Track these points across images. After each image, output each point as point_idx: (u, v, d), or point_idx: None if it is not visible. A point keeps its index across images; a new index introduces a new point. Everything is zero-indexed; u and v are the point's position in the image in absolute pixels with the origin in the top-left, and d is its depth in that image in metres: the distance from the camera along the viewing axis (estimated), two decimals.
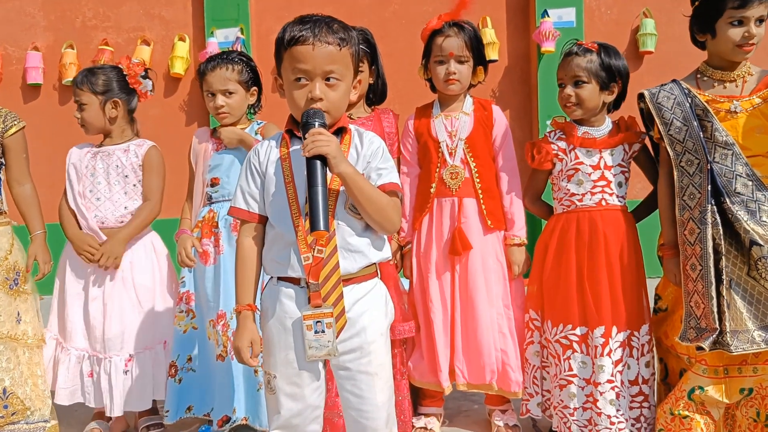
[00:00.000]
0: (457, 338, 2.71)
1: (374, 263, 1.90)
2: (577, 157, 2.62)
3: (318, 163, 1.71)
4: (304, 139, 1.74)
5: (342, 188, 1.82)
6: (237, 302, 1.89)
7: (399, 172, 2.88)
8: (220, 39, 6.01)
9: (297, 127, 1.87)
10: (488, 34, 5.93)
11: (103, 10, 6.35)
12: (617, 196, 2.60)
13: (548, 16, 5.78)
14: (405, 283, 2.86)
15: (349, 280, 1.84)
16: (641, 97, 2.52)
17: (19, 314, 2.74)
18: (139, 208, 2.90)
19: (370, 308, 1.87)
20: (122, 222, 2.87)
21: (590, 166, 2.60)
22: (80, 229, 2.85)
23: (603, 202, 2.59)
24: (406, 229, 2.83)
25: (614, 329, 2.52)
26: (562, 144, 2.66)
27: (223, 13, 6.07)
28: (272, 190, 1.87)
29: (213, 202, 2.84)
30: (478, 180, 2.73)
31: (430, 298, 2.74)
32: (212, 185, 2.84)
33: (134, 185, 2.92)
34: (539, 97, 5.93)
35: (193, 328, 2.84)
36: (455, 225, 2.71)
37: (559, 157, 2.66)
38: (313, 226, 1.67)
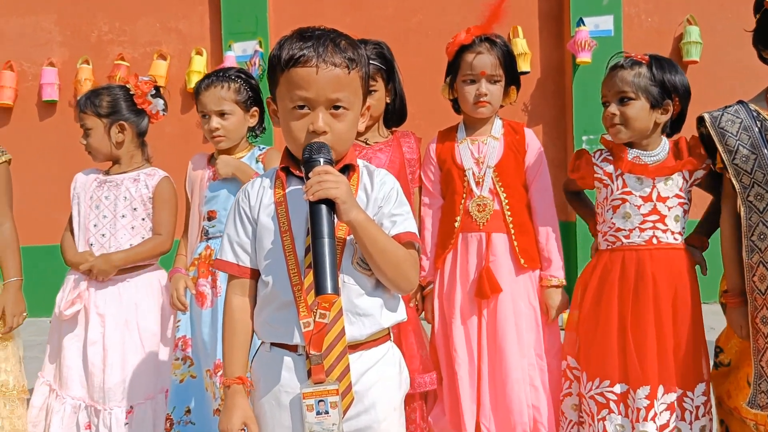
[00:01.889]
0: (484, 392, 2.38)
1: (387, 328, 1.60)
2: (625, 185, 2.28)
3: (324, 208, 1.41)
4: (307, 178, 1.44)
5: (350, 238, 1.52)
6: (225, 374, 1.60)
7: (420, 202, 2.58)
8: (237, 52, 5.80)
9: (294, 164, 1.58)
10: (519, 45, 5.64)
11: (119, 24, 6.18)
12: (672, 233, 2.26)
13: (584, 24, 5.47)
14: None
15: (357, 346, 1.54)
16: (701, 121, 2.18)
17: None
18: (146, 240, 2.66)
19: (382, 379, 1.57)
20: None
21: (640, 197, 2.26)
22: None
23: (654, 240, 2.25)
24: (428, 267, 2.52)
25: (661, 389, 2.18)
26: (609, 167, 2.33)
27: (240, 26, 5.85)
28: (265, 241, 1.57)
29: (210, 238, 2.55)
30: (508, 213, 2.41)
31: (454, 347, 2.43)
32: (209, 219, 2.56)
33: (143, 219, 2.67)
34: (574, 111, 5.61)
35: (191, 377, 2.56)
36: (483, 264, 2.39)
37: (604, 182, 2.32)
38: (319, 289, 1.36)
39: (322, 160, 1.44)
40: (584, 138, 5.61)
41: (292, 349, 1.54)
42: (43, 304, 2.96)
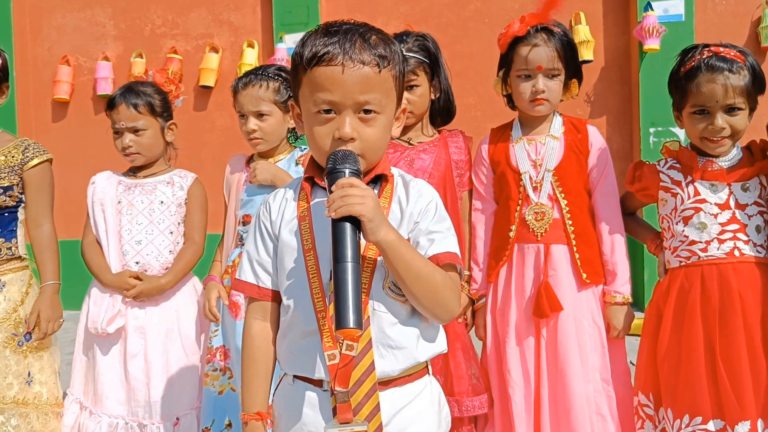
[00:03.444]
0: (544, 420, 2.15)
1: (424, 362, 1.40)
2: (697, 193, 2.03)
3: (348, 227, 1.22)
4: (330, 192, 1.25)
5: (381, 259, 1.33)
6: (243, 408, 1.44)
7: (470, 207, 2.36)
8: (289, 44, 5.66)
9: (319, 174, 1.39)
10: (582, 32, 5.32)
11: (172, 17, 6.14)
12: (755, 245, 1.99)
13: (652, 9, 5.13)
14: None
15: (389, 381, 1.35)
16: None
17: (30, 374, 2.37)
18: (183, 250, 2.53)
19: (418, 420, 1.37)
20: (167, 269, 2.49)
21: (716, 204, 2.00)
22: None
23: (736, 252, 1.98)
24: (480, 279, 2.30)
25: (761, 423, 1.92)
26: (676, 175, 2.07)
27: (292, 17, 5.71)
28: (287, 260, 1.40)
29: (245, 244, 2.40)
30: (570, 222, 2.17)
31: (508, 368, 2.21)
32: (244, 223, 2.41)
33: (179, 223, 2.54)
34: (641, 102, 5.27)
35: (231, 389, 2.42)
36: (541, 279, 2.16)
37: (672, 191, 2.06)
38: (340, 322, 1.18)
39: (347, 170, 1.26)
40: (651, 130, 5.28)
41: (316, 383, 1.37)
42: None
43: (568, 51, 2.16)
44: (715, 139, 1.98)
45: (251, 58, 5.82)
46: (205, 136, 6.02)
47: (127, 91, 2.49)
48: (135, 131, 2.48)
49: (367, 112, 1.32)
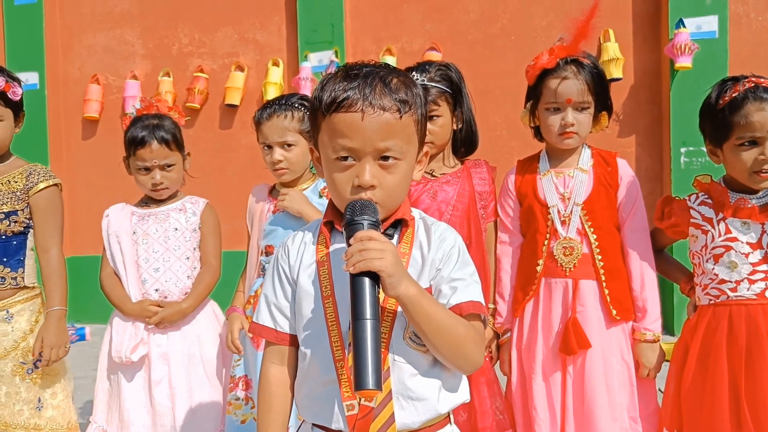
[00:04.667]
0: None
1: (446, 414, 1.36)
2: (728, 231, 1.96)
3: (367, 282, 1.18)
4: (348, 244, 1.22)
5: (401, 310, 1.29)
6: None
7: (496, 239, 2.31)
8: (313, 63, 5.67)
9: (339, 219, 1.36)
10: (611, 49, 5.25)
11: (198, 36, 6.19)
12: None
13: (684, 26, 5.02)
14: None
15: None
16: None
17: (40, 400, 2.38)
18: (201, 274, 2.53)
19: None
20: (187, 294, 2.49)
21: (747, 243, 1.93)
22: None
23: (767, 293, 1.91)
24: (505, 313, 2.24)
25: None
26: (708, 212, 2.01)
27: (317, 36, 5.72)
28: (305, 307, 1.36)
29: (263, 286, 2.37)
30: (599, 257, 2.11)
31: (534, 405, 2.15)
32: (266, 254, 2.38)
33: (194, 248, 2.54)
34: (672, 121, 5.17)
35: (254, 419, 2.40)
36: (569, 315, 2.11)
37: (703, 228, 2.00)
38: (359, 383, 1.14)
39: (365, 222, 1.22)
40: (683, 150, 5.17)
41: None
42: None
43: (598, 83, 2.11)
44: (765, 170, 1.90)
45: (276, 77, 5.84)
46: (230, 154, 6.05)
47: (155, 128, 2.47)
48: (165, 167, 2.49)
49: (387, 158, 1.28)
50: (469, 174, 2.29)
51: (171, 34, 6.24)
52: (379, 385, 1.14)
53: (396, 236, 1.36)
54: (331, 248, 1.37)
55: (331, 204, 1.39)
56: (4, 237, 2.36)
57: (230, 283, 2.59)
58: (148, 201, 2.59)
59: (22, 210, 2.37)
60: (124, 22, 6.34)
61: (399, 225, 1.37)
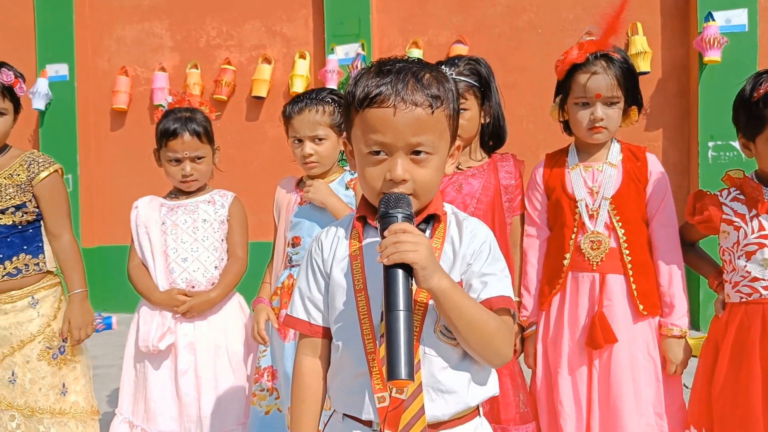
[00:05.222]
0: None
1: (475, 406, 1.38)
2: (762, 228, 1.94)
3: (400, 274, 1.20)
4: (382, 236, 1.24)
5: (432, 303, 1.31)
6: None
7: (522, 232, 2.32)
8: (340, 56, 5.69)
9: (371, 213, 1.38)
10: (639, 43, 5.20)
11: (226, 29, 6.24)
12: None
13: (713, 19, 4.95)
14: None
15: (439, 424, 1.33)
16: None
17: (64, 385, 2.45)
18: (228, 265, 2.57)
19: None
20: (214, 284, 2.53)
21: None
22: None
23: None
24: (530, 307, 2.26)
25: None
26: (740, 208, 1.99)
27: (343, 29, 5.74)
28: (338, 300, 1.39)
29: (293, 266, 2.41)
30: (627, 251, 2.11)
31: (560, 399, 2.16)
32: (293, 245, 2.42)
33: (222, 240, 2.58)
34: (700, 115, 5.11)
35: (278, 410, 2.43)
36: (595, 309, 2.11)
37: (735, 224, 1.98)
38: (392, 373, 1.16)
39: (399, 215, 1.24)
40: (710, 144, 5.11)
41: (366, 423, 1.35)
42: None
43: (628, 78, 2.10)
44: None
45: (303, 69, 5.88)
46: (257, 146, 6.10)
47: (188, 120, 2.51)
48: (196, 159, 2.53)
49: (418, 153, 1.30)
50: (495, 167, 2.30)
51: (199, 26, 6.30)
52: (411, 376, 1.16)
53: (428, 231, 1.37)
54: (364, 242, 1.39)
55: (363, 199, 1.42)
56: (20, 227, 2.43)
57: (256, 275, 2.64)
58: (177, 193, 2.62)
59: (30, 201, 2.43)
60: (153, 14, 6.41)
61: (431, 220, 1.39)
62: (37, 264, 2.47)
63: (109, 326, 5.84)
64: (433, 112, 1.29)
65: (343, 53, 5.71)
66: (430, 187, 1.34)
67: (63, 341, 2.44)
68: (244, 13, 6.17)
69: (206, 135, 2.55)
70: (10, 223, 2.41)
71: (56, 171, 2.49)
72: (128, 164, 6.27)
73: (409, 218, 1.26)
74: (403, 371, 1.15)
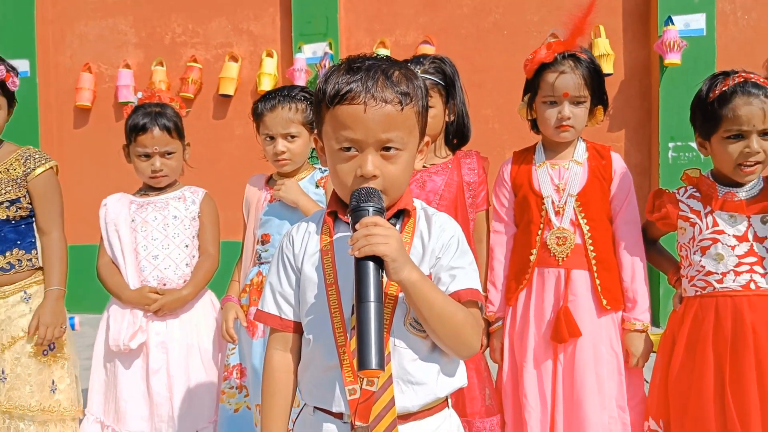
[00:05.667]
0: None
1: (444, 397, 1.40)
2: (715, 224, 2.01)
3: (371, 266, 1.22)
4: (353, 229, 1.26)
5: (401, 295, 1.33)
6: None
7: (488, 228, 2.36)
8: (307, 54, 5.69)
9: (342, 208, 1.40)
10: (602, 45, 5.31)
11: (192, 26, 6.19)
12: None
13: (673, 23, 5.09)
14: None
15: (408, 416, 1.36)
16: None
17: (54, 383, 2.42)
18: (200, 262, 2.55)
19: None
20: (185, 281, 2.51)
21: (734, 236, 1.99)
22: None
23: (752, 285, 1.97)
24: (496, 302, 2.29)
25: None
26: (696, 205, 2.06)
27: (311, 28, 5.74)
28: (309, 294, 1.40)
29: (262, 263, 2.41)
30: (591, 248, 2.16)
31: (525, 392, 2.20)
32: (263, 242, 2.42)
33: (193, 237, 2.56)
34: (661, 116, 5.25)
35: (247, 407, 2.43)
36: (561, 304, 2.16)
37: (691, 221, 2.05)
38: (362, 362, 1.18)
39: (370, 209, 1.26)
40: (671, 145, 5.25)
41: (337, 416, 1.37)
42: None
43: (594, 78, 2.16)
44: (749, 163, 1.96)
45: (270, 68, 5.86)
46: (224, 144, 6.06)
47: (158, 115, 2.49)
48: (166, 154, 2.51)
49: (389, 149, 1.32)
50: (458, 164, 2.34)
51: (164, 23, 6.23)
52: (382, 365, 1.18)
53: (398, 226, 1.40)
54: (335, 237, 1.41)
55: (334, 194, 1.43)
56: (13, 222, 2.40)
57: (225, 273, 2.63)
58: (146, 190, 2.60)
59: (24, 196, 2.41)
60: (117, 10, 6.32)
61: (401, 215, 1.41)
62: (30, 260, 2.45)
63: (71, 327, 5.75)
64: (402, 109, 1.31)
65: (311, 52, 5.71)
66: (400, 182, 1.36)
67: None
68: (211, 11, 6.13)
69: (176, 130, 2.53)
70: (4, 217, 2.39)
71: (52, 168, 2.48)
72: (92, 162, 6.16)
73: (380, 212, 1.28)
74: (373, 361, 1.17)
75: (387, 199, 1.34)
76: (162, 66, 6.16)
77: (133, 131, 2.50)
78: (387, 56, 1.44)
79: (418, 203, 1.47)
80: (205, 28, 6.16)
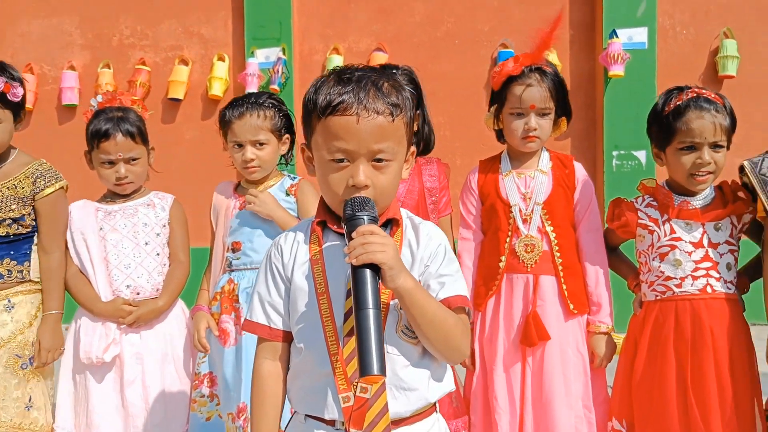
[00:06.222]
0: None
1: (433, 402, 1.44)
2: (673, 231, 2.14)
3: (369, 273, 1.25)
4: (349, 238, 1.29)
5: (393, 303, 1.36)
6: None
7: (453, 232, 2.42)
8: (260, 59, 5.65)
9: (331, 218, 1.43)
10: (550, 56, 5.42)
11: (141, 28, 6.06)
12: (725, 282, 2.11)
13: (617, 36, 5.29)
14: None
15: (400, 421, 1.39)
16: (741, 169, 2.09)
17: (30, 399, 2.34)
18: (171, 270, 2.51)
19: None
20: (158, 290, 2.46)
21: (690, 243, 2.11)
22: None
23: (708, 289, 2.10)
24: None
25: None
26: (654, 213, 2.18)
27: (264, 32, 5.70)
28: (299, 303, 1.42)
29: (233, 270, 2.41)
30: (558, 254, 2.25)
31: (495, 394, 2.27)
32: (233, 250, 2.41)
33: (164, 245, 2.52)
34: (605, 125, 5.42)
35: (219, 416, 2.41)
36: (529, 309, 2.24)
37: (650, 228, 2.17)
38: (364, 369, 1.21)
39: (366, 218, 1.29)
40: (614, 153, 5.44)
41: (330, 423, 1.39)
42: None
43: (559, 90, 2.25)
44: (701, 173, 2.08)
45: (222, 72, 5.78)
46: (174, 148, 5.93)
47: (120, 120, 2.43)
48: (130, 160, 2.46)
49: (380, 160, 1.35)
50: (419, 171, 2.40)
51: (112, 24, 6.07)
52: (383, 371, 1.21)
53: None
54: (324, 246, 1.43)
55: (322, 203, 1.45)
56: (11, 237, 2.35)
57: (192, 281, 2.60)
58: (112, 197, 2.54)
59: (29, 214, 2.36)
60: (62, 9, 6.12)
61: (389, 224, 1.44)
62: (21, 271, 2.37)
63: None
64: (393, 120, 1.35)
65: (264, 57, 5.67)
66: (390, 192, 1.40)
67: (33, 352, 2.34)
68: (160, 13, 6.01)
69: (140, 135, 2.48)
70: (3, 234, 2.33)
71: (62, 188, 2.41)
72: None
73: (374, 220, 1.31)
74: (375, 367, 1.20)
75: (377, 208, 1.37)
76: (109, 68, 5.99)
77: (95, 137, 2.44)
78: (373, 67, 1.47)
79: (404, 212, 1.50)
80: (154, 30, 6.03)
